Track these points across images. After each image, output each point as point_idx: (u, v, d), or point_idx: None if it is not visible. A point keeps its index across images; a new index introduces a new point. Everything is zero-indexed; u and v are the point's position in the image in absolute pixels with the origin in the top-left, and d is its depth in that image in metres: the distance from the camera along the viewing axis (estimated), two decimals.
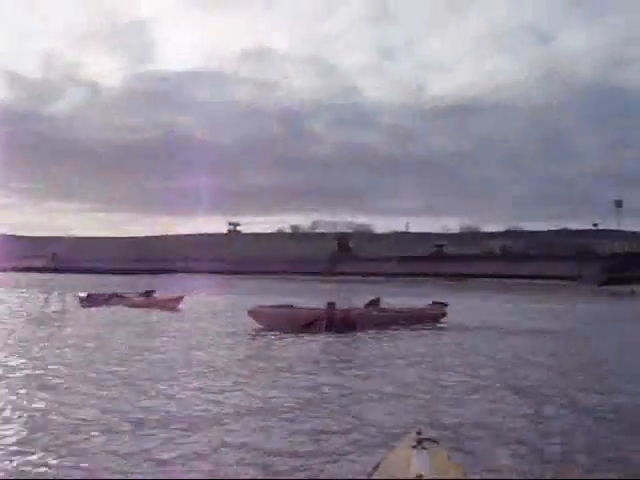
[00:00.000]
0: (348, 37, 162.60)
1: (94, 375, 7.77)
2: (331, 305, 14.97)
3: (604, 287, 52.43)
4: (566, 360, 9.59)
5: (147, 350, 10.21)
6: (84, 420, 5.57)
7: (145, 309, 19.14)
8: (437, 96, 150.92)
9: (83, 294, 22.08)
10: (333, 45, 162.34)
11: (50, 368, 8.24)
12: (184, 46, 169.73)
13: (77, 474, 3.82)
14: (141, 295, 21.94)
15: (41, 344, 10.58)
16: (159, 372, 8.00)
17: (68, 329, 13.54)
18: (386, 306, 15.88)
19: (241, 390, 6.97)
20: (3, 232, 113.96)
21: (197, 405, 6.10)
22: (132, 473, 3.93)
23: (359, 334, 13.28)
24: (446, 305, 16.25)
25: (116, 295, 22.20)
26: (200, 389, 6.89)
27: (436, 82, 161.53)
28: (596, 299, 35.19)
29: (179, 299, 20.22)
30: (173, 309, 19.16)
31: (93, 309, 19.19)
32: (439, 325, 15.27)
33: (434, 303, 16.73)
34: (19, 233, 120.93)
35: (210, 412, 5.90)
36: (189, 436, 5.03)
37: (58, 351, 9.92)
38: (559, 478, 4.06)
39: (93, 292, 22.47)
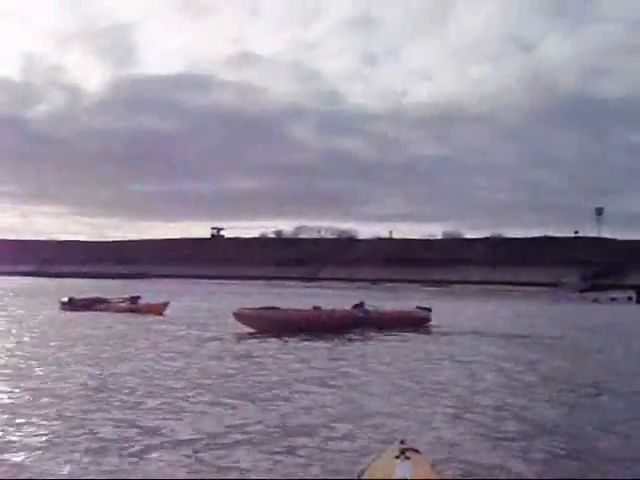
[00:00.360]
0: (331, 43, 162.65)
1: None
2: (317, 308, 15.09)
3: (585, 294, 52.99)
4: (536, 368, 9.61)
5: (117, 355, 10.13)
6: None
7: (130, 314, 18.99)
8: (420, 103, 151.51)
9: (64, 299, 21.74)
10: (316, 51, 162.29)
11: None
12: (167, 50, 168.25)
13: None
14: (126, 300, 21.59)
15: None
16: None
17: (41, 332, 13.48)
18: (371, 309, 15.92)
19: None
20: None
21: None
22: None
23: (346, 336, 13.37)
24: (430, 310, 16.43)
25: (100, 300, 21.91)
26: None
27: (419, 89, 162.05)
28: (575, 305, 35.58)
29: (165, 305, 20.06)
30: (158, 314, 19.02)
31: (73, 314, 18.97)
32: (423, 329, 15.41)
33: (418, 308, 16.93)
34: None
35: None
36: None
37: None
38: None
39: (75, 297, 22.09)
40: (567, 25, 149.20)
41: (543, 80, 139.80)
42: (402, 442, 3.09)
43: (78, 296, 22.53)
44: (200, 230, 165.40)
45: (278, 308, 15.27)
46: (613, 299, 44.69)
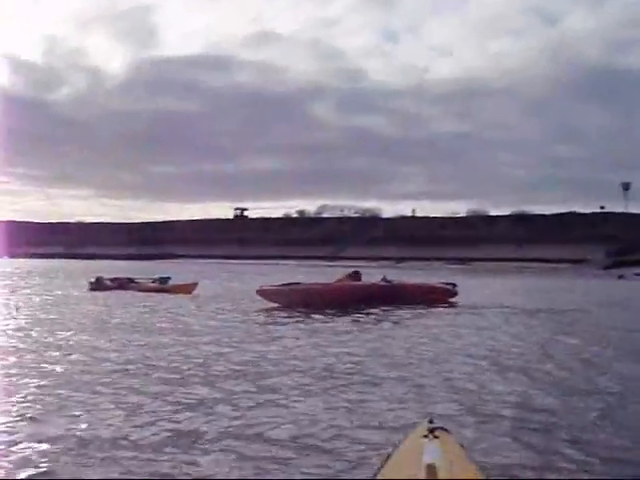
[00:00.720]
0: (351, 20, 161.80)
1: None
2: (356, 273, 15.43)
3: (610, 270, 52.54)
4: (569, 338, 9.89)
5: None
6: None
7: (159, 294, 19.40)
8: (442, 79, 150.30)
9: (92, 279, 22.18)
10: (336, 28, 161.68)
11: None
12: (187, 31, 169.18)
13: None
14: (155, 281, 22.02)
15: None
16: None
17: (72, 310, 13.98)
18: (395, 281, 15.89)
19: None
20: (11, 218, 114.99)
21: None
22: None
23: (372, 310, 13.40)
24: (455, 285, 16.43)
25: (129, 280, 22.32)
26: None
27: (440, 65, 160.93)
28: (599, 281, 35.39)
29: (194, 285, 20.44)
30: (188, 294, 19.42)
31: (101, 293, 19.48)
32: (449, 304, 15.28)
33: (444, 284, 16.99)
34: (26, 219, 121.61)
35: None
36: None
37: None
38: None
39: (103, 276, 22.52)
40: None
41: (567, 53, 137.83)
42: (431, 421, 3.00)
43: (107, 277, 22.90)
44: (223, 211, 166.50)
45: (300, 283, 15.61)
46: (638, 274, 44.32)
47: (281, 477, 3.83)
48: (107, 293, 19.37)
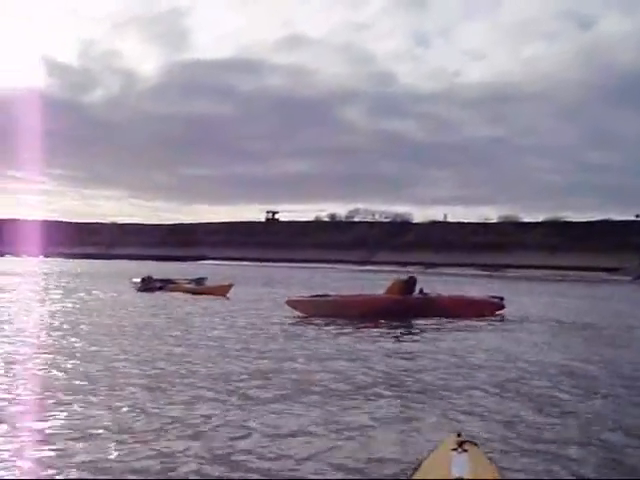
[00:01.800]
0: (382, 24, 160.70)
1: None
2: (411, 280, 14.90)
3: None
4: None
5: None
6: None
7: (197, 296, 19.88)
8: (473, 83, 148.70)
9: (137, 279, 22.93)
10: (367, 32, 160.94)
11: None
12: (219, 35, 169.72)
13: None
14: (192, 282, 22.69)
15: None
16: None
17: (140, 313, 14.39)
18: (430, 294, 15.34)
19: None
20: (46, 218, 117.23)
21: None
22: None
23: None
24: (502, 299, 15.68)
25: (170, 281, 22.98)
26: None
27: (472, 69, 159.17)
28: (632, 291, 34.79)
29: (229, 287, 20.89)
30: (223, 296, 19.85)
31: (149, 294, 20.06)
32: (495, 317, 14.68)
33: (491, 297, 16.44)
34: (60, 219, 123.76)
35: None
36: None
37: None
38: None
39: (148, 278, 23.07)
40: (625, 1, 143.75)
41: (601, 57, 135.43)
42: (459, 435, 3.02)
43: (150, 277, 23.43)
44: (253, 213, 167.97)
45: (328, 295, 15.69)
46: None
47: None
48: (156, 294, 20.05)
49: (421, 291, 15.09)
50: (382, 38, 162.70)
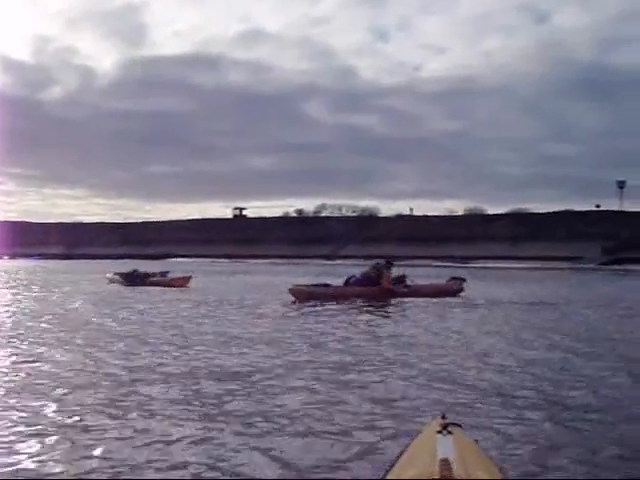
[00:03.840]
0: (341, 18, 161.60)
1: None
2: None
3: (605, 267, 53.20)
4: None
5: None
6: None
7: (162, 287, 20.87)
8: (434, 77, 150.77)
9: (110, 274, 23.74)
10: (327, 26, 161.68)
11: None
12: (177, 30, 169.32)
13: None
14: (156, 274, 23.92)
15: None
16: None
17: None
18: (410, 282, 17.29)
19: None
20: (7, 218, 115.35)
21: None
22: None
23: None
24: (464, 280, 17.57)
25: (144, 275, 23.64)
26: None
27: (432, 63, 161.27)
28: (590, 279, 35.82)
29: (187, 278, 22.36)
30: (183, 287, 21.07)
31: (136, 287, 20.98)
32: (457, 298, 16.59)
33: (452, 278, 18.00)
34: (21, 219, 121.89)
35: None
36: None
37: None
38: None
39: (128, 272, 23.75)
40: None
41: (558, 51, 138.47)
42: (443, 417, 3.05)
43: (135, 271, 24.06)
44: (218, 210, 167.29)
45: (328, 285, 16.70)
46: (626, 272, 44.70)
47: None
48: (140, 287, 20.92)
49: (403, 279, 17.08)
50: (341, 32, 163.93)
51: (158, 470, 3.84)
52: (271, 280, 26.58)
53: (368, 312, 13.18)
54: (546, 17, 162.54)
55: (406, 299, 15.64)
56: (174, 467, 3.88)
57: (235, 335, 9.35)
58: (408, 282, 17.22)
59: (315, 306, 13.76)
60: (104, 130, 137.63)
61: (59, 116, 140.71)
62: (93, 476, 3.72)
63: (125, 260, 68.27)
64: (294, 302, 14.82)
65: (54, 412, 5.00)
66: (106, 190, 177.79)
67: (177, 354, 7.72)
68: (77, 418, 4.82)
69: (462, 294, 17.18)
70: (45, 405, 5.21)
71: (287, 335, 9.41)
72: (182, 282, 22.24)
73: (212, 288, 21.12)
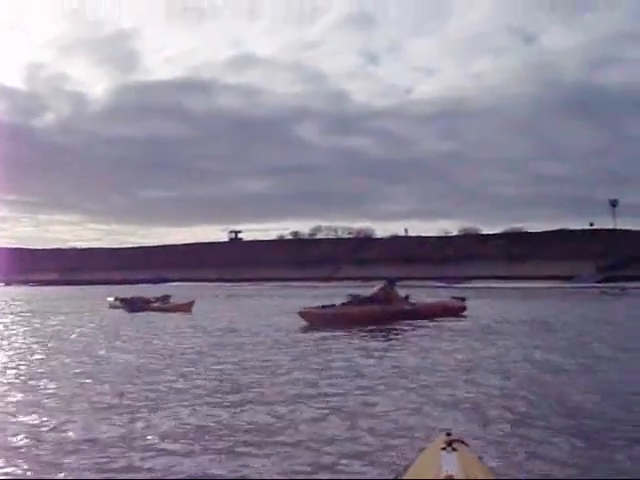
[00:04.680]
0: (332, 42, 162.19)
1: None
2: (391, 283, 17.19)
3: (599, 285, 53.40)
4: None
5: None
6: None
7: (165, 313, 20.60)
8: (425, 99, 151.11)
9: (111, 299, 23.65)
10: (317, 50, 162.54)
11: None
12: (169, 56, 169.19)
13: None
14: (158, 300, 23.45)
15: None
16: None
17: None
18: (415, 301, 17.51)
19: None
20: (1, 245, 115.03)
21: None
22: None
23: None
24: (464, 300, 17.78)
25: (146, 301, 23.51)
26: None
27: (423, 85, 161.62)
28: (587, 298, 36.05)
29: (191, 304, 21.80)
30: (186, 312, 20.85)
31: (140, 314, 20.74)
32: (460, 317, 16.93)
33: (453, 298, 18.27)
34: (16, 245, 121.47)
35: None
36: None
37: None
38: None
39: (129, 298, 23.62)
40: (568, 14, 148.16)
41: (547, 71, 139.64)
42: (448, 434, 3.06)
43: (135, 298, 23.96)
44: (213, 234, 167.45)
45: (335, 305, 16.71)
46: (623, 289, 44.80)
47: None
48: (146, 313, 20.56)
49: (407, 298, 17.19)
50: (332, 56, 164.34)
51: None
52: (271, 303, 26.66)
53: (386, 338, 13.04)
54: (534, 38, 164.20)
55: (414, 321, 15.70)
56: None
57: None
58: (412, 300, 17.37)
59: (325, 331, 13.65)
60: (98, 156, 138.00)
61: (52, 142, 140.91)
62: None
63: (122, 286, 68.45)
64: (308, 326, 14.78)
65: None
66: (101, 215, 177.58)
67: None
68: None
69: (465, 313, 17.41)
70: None
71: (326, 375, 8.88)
72: (185, 308, 21.87)
73: (215, 313, 21.06)
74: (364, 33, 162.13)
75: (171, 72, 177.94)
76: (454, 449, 2.78)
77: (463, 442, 3.05)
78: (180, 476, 4.00)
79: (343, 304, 16.68)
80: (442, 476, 2.41)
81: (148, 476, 3.95)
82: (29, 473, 4.56)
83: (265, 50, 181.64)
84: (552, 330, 13.74)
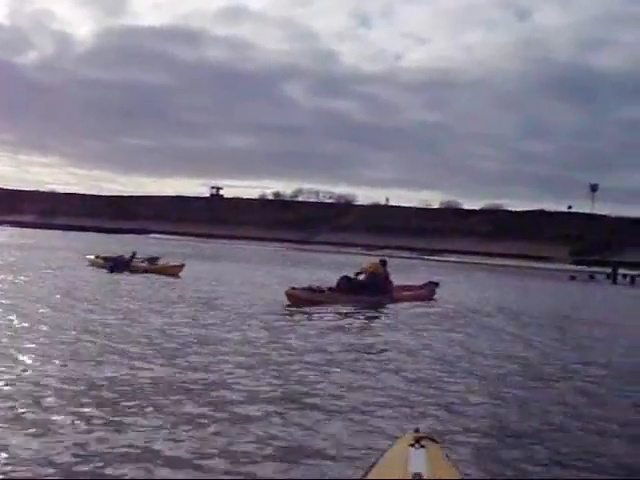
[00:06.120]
0: (325, 1, 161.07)
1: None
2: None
3: (570, 268, 54.47)
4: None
5: None
6: None
7: (152, 275, 19.43)
8: (414, 67, 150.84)
9: (91, 256, 22.28)
10: (309, 8, 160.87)
11: None
12: (157, 1, 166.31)
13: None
14: (145, 260, 21.87)
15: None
16: None
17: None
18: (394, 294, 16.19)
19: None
20: None
21: None
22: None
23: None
24: (437, 285, 17.91)
25: (128, 259, 21.43)
26: None
27: (413, 52, 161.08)
28: (548, 283, 36.76)
29: (181, 267, 21.19)
30: (175, 276, 19.99)
31: (126, 276, 19.08)
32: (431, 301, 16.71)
33: (429, 282, 18.27)
34: None
35: None
36: None
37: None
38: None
39: (108, 256, 21.87)
40: None
41: (538, 49, 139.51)
42: (417, 430, 3.02)
43: (107, 255, 22.21)
44: (196, 187, 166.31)
45: (323, 291, 14.94)
46: (591, 277, 45.75)
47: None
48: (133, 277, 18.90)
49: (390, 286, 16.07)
50: (324, 15, 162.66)
51: None
52: (258, 270, 26.27)
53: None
54: (527, 14, 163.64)
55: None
56: None
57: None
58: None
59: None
60: (79, 98, 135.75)
61: (34, 80, 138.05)
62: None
63: (104, 234, 67.79)
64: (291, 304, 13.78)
65: None
66: (80, 160, 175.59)
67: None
68: None
69: (435, 297, 17.34)
70: None
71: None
72: (174, 270, 20.53)
73: (206, 279, 19.59)
74: None
75: (159, 18, 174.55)
76: (422, 446, 2.72)
77: (432, 439, 2.98)
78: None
79: (331, 289, 15.06)
80: (409, 474, 2.36)
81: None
82: None
83: (257, 3, 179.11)
84: (521, 322, 14.01)
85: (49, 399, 5.40)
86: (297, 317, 12.14)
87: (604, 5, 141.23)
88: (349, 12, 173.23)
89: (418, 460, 2.53)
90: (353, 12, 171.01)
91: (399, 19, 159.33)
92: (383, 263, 16.13)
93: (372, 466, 2.79)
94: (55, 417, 4.94)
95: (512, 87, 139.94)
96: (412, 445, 2.73)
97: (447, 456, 2.98)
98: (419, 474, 2.32)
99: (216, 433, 4.83)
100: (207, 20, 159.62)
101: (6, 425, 4.67)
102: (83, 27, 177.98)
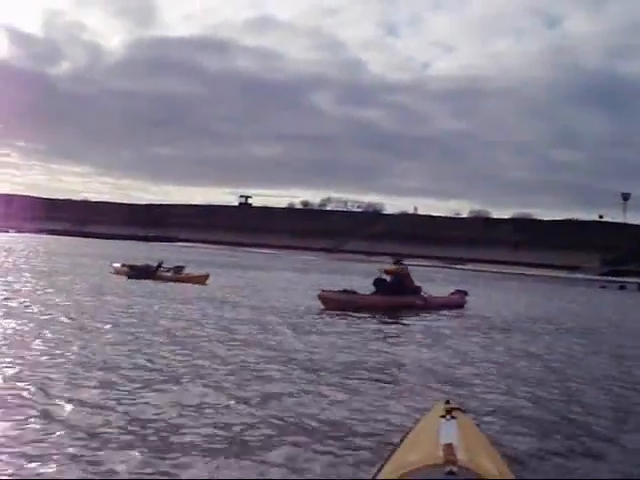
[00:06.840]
0: (352, 10, 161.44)
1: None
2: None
3: (601, 278, 53.76)
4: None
5: None
6: None
7: (177, 284, 19.59)
8: (442, 75, 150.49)
9: (117, 264, 22.27)
10: (337, 18, 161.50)
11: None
12: (187, 12, 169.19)
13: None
14: (170, 270, 21.72)
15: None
16: None
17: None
18: (426, 295, 16.54)
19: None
20: (12, 191, 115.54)
21: None
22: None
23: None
24: (466, 293, 18.00)
25: (154, 269, 21.43)
26: None
27: (441, 61, 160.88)
28: (585, 292, 36.46)
29: (206, 276, 21.20)
30: (202, 284, 20.08)
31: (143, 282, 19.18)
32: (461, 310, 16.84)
33: (457, 291, 18.40)
34: (27, 193, 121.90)
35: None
36: None
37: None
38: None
39: (133, 264, 21.99)
40: (592, 1, 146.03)
41: (567, 57, 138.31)
42: (447, 402, 3.05)
43: (129, 263, 22.40)
44: (224, 196, 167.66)
45: (355, 292, 15.36)
46: (622, 287, 45.10)
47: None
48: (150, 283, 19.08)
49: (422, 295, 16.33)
50: (351, 25, 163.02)
51: None
52: (284, 277, 26.40)
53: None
54: (557, 22, 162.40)
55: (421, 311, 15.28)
56: None
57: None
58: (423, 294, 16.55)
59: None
60: (110, 108, 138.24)
61: (66, 91, 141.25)
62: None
63: (133, 241, 69.00)
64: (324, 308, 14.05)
65: None
66: (111, 169, 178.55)
67: None
68: None
69: (465, 306, 17.50)
70: None
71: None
72: (199, 280, 20.53)
73: (232, 288, 19.50)
74: (385, 3, 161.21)
75: (188, 29, 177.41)
76: (453, 417, 2.75)
77: (462, 410, 3.03)
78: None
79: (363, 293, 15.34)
80: (441, 444, 2.38)
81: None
82: None
83: (285, 14, 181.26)
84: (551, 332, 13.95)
85: None
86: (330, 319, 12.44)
87: (634, 13, 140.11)
88: (376, 21, 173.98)
89: (449, 431, 2.56)
90: (380, 21, 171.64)
91: (426, 27, 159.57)
92: (398, 262, 16.42)
93: (404, 438, 2.83)
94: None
95: (541, 95, 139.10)
96: (443, 416, 2.77)
97: (477, 426, 3.06)
98: (451, 445, 2.34)
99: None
100: (236, 30, 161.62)
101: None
102: (114, 38, 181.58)
